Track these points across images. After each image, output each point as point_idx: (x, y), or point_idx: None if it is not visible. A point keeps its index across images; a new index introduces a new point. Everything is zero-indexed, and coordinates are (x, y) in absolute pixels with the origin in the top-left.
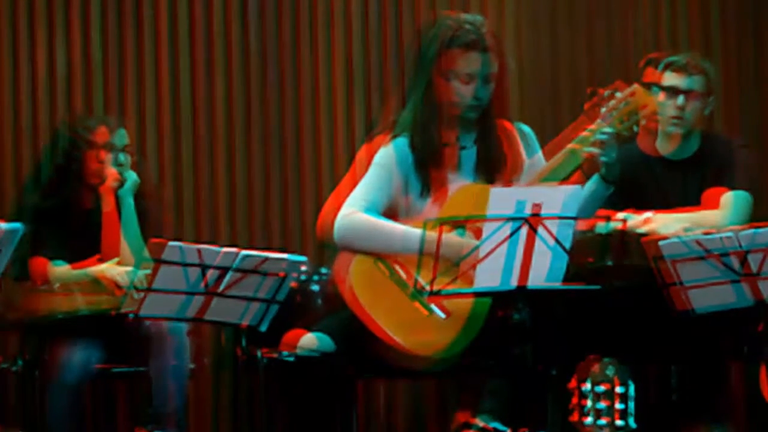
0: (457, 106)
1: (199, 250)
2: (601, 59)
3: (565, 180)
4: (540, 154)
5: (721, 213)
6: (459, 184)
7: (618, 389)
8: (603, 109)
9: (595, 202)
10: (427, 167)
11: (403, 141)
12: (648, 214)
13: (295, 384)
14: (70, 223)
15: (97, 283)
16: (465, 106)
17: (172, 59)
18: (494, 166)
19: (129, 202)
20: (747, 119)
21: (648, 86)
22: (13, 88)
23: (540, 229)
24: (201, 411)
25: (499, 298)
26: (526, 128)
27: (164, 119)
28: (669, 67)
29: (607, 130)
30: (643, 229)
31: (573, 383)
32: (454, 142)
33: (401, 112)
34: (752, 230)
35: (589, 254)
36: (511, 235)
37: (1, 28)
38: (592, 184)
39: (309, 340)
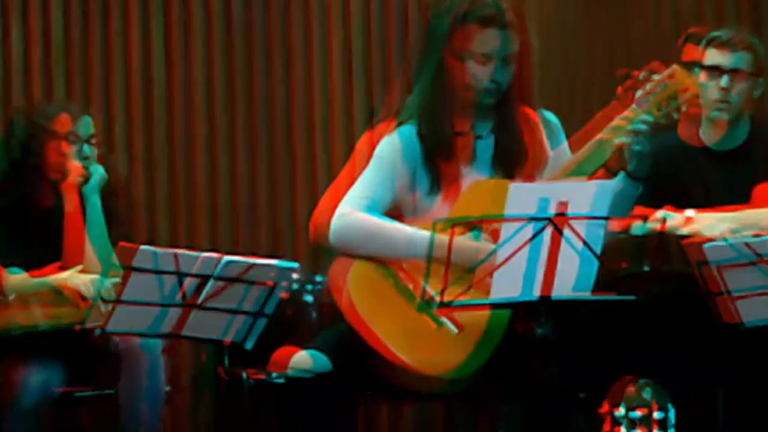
0: (472, 89)
1: (175, 256)
2: (637, 37)
3: (593, 174)
4: (566, 145)
5: None
6: (473, 179)
7: (656, 415)
8: (638, 94)
9: (623, 203)
10: (437, 160)
11: (409, 129)
12: (690, 213)
13: (286, 409)
14: (27, 225)
15: (58, 294)
16: (481, 90)
17: (144, 38)
18: (514, 159)
19: (95, 201)
20: None
21: (689, 66)
22: None
23: (566, 231)
24: None
25: (519, 311)
26: (551, 116)
27: (134, 106)
28: (711, 43)
29: (644, 117)
30: (684, 230)
31: (605, 408)
32: (468, 130)
33: (407, 97)
34: None
35: (622, 259)
36: (533, 237)
37: None
38: (617, 182)
39: (302, 359)
